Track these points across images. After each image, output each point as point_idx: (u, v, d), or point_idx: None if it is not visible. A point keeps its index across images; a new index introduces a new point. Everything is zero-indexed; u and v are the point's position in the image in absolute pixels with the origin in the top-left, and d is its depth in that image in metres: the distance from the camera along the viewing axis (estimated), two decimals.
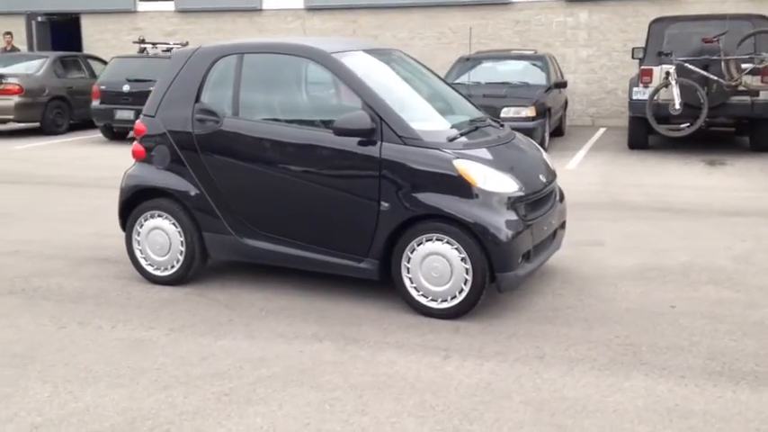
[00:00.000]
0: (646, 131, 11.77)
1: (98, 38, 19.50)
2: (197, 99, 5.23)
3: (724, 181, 9.35)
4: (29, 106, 14.36)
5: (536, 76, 12.67)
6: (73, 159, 11.79)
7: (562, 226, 5.56)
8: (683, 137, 11.55)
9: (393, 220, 4.69)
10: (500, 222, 4.56)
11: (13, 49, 16.78)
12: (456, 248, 4.57)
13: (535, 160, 5.25)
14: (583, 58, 16.46)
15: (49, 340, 4.38)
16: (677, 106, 10.85)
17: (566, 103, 14.47)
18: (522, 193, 4.74)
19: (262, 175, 5.02)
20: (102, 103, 13.53)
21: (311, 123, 5.02)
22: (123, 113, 13.28)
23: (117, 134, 13.93)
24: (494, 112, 11.21)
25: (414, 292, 4.72)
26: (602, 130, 15.06)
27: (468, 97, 5.86)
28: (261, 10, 18.47)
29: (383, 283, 4.85)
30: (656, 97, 11.13)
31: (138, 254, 5.43)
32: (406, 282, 4.73)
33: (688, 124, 11.19)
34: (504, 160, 4.91)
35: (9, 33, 16.93)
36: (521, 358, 4.11)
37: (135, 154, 5.47)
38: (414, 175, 4.65)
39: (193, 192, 5.22)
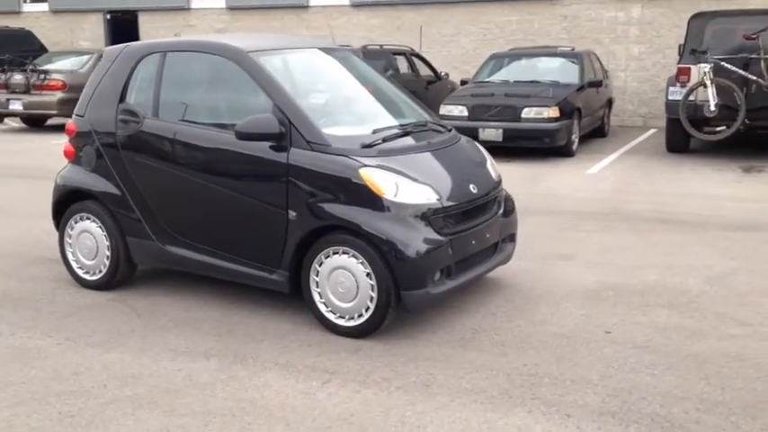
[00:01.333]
0: (683, 134, 11.02)
1: (153, 35, 19.81)
2: (121, 99, 5.08)
3: (751, 190, 8.62)
4: (72, 102, 14.63)
5: (569, 75, 12.08)
6: None
7: (511, 238, 5.17)
8: (725, 140, 10.77)
9: (300, 231, 4.42)
10: (407, 236, 4.22)
11: None
12: (361, 263, 4.26)
13: (470, 169, 4.87)
14: (634, 55, 15.67)
15: None
16: (712, 108, 10.11)
17: (609, 102, 13.76)
18: (440, 205, 4.38)
19: (178, 179, 4.83)
20: None
21: (224, 126, 4.77)
22: None
23: None
24: (514, 113, 10.81)
25: (323, 308, 4.44)
26: (651, 132, 14.28)
27: (416, 100, 5.51)
28: (307, 7, 18.41)
29: (294, 296, 4.58)
30: (691, 98, 10.41)
31: (69, 256, 5.34)
32: (315, 296, 4.45)
33: (724, 127, 10.41)
34: (426, 169, 4.56)
35: None
36: (405, 386, 3.78)
37: (66, 154, 5.38)
38: (319, 183, 4.36)
39: (117, 195, 5.08)
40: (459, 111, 11.23)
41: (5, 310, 4.88)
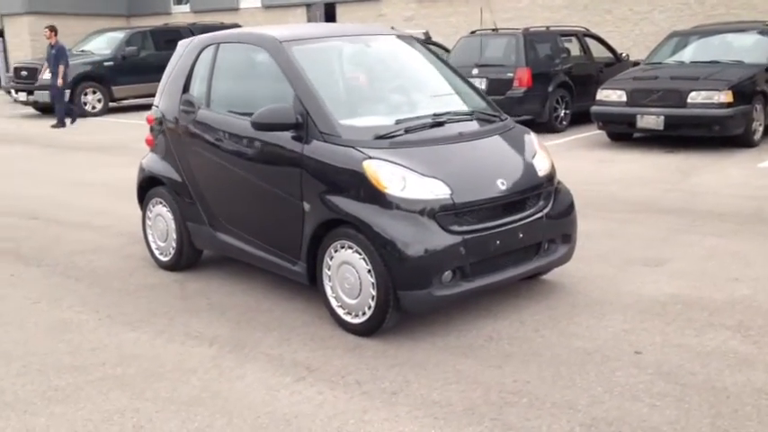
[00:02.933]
0: None
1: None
2: (185, 89, 5.31)
3: None
4: None
5: (757, 54, 10.73)
6: None
7: (565, 239, 4.72)
8: None
9: (313, 223, 4.36)
10: (407, 233, 4.01)
11: (57, 44, 15.32)
12: (363, 259, 4.12)
13: (504, 163, 4.49)
14: None
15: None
16: None
17: None
18: (450, 201, 4.10)
19: (221, 167, 4.98)
20: None
21: None
22: None
23: None
24: (679, 98, 9.86)
25: (333, 303, 4.36)
26: None
27: (473, 87, 5.19)
28: None
29: (313, 288, 4.54)
30: None
31: (149, 238, 5.72)
32: (327, 290, 4.38)
33: None
34: (444, 162, 4.28)
35: (50, 28, 15.50)
36: (372, 392, 3.60)
37: (147, 142, 5.74)
38: (328, 175, 4.27)
39: (179, 182, 5.34)
40: (618, 96, 10.42)
41: (83, 285, 5.32)
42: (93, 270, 5.67)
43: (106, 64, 17.30)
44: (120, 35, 18.22)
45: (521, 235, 4.38)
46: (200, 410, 3.48)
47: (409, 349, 4.06)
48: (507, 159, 4.55)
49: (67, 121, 15.09)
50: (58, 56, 15.07)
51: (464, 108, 4.87)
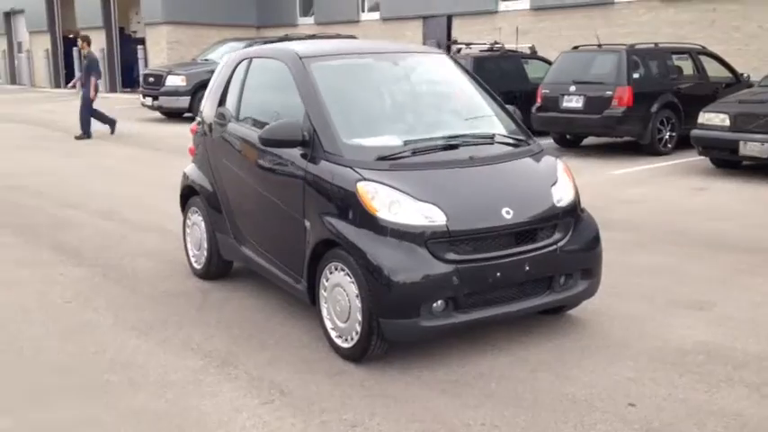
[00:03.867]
0: None
1: (464, 37, 20.37)
2: (221, 102, 5.39)
3: None
4: None
5: None
6: None
7: (586, 274, 4.41)
8: None
9: (312, 242, 4.30)
10: (394, 259, 3.87)
11: (89, 54, 14.89)
12: (352, 282, 4.01)
13: (515, 190, 4.24)
14: None
15: (25, 308, 5.03)
16: None
17: None
18: (445, 228, 3.92)
19: (242, 180, 5.02)
20: None
21: None
22: None
23: None
24: None
25: (328, 324, 4.27)
26: None
27: (502, 108, 4.95)
28: (612, 3, 17.34)
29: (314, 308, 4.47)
30: None
31: (187, 245, 5.85)
32: (323, 311, 4.30)
33: None
34: (445, 187, 4.09)
35: (83, 38, 15.23)
36: (329, 422, 3.49)
37: (190, 151, 5.87)
38: (326, 194, 4.20)
39: (211, 193, 5.42)
40: (720, 120, 9.71)
41: (118, 288, 5.50)
42: (135, 273, 5.85)
43: None
44: (239, 45, 18.91)
45: (527, 267, 4.12)
46: (159, 426, 3.48)
47: (391, 380, 3.90)
48: (519, 187, 4.30)
49: (102, 128, 14.63)
50: (90, 66, 14.50)
51: (486, 131, 4.65)
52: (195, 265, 5.73)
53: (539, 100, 12.28)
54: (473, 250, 4.00)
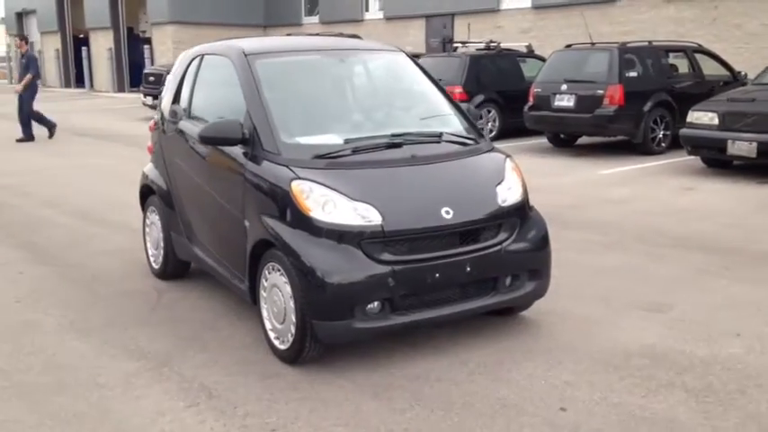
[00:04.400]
0: None
1: (462, 37, 20.28)
2: (174, 99, 5.34)
3: None
4: None
5: None
6: None
7: (533, 275, 4.31)
8: None
9: (251, 242, 4.23)
10: (327, 261, 3.79)
11: (27, 53, 14.63)
12: (287, 283, 3.93)
13: (456, 190, 4.14)
14: None
15: None
16: None
17: None
18: (379, 229, 3.84)
19: (190, 179, 4.97)
20: None
21: None
22: None
23: None
24: None
25: (267, 325, 4.20)
26: None
27: (458, 108, 4.84)
28: (614, 1, 17.17)
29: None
30: None
31: (147, 245, 5.80)
32: (264, 312, 4.23)
33: None
34: (382, 186, 4.01)
35: (21, 37, 15.03)
36: (251, 426, 3.41)
37: (148, 149, 5.83)
38: (263, 193, 4.13)
39: (165, 191, 5.37)
40: (709, 118, 9.55)
41: (73, 287, 5.46)
42: (95, 273, 5.81)
43: None
44: None
45: (468, 268, 4.03)
46: (75, 428, 3.42)
47: (324, 383, 3.82)
48: (461, 186, 4.20)
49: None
50: (28, 65, 14.16)
51: (434, 130, 4.56)
52: (154, 264, 5.68)
53: (531, 99, 12.16)
54: (410, 251, 3.91)
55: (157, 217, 5.52)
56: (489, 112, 13.54)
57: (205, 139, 4.30)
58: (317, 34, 19.01)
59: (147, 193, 5.73)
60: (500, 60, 14.16)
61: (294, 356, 3.98)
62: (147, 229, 5.76)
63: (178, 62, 5.51)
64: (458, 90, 13.18)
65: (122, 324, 4.71)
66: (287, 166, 4.02)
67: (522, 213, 4.33)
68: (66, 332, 4.60)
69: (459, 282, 4.05)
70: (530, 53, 14.78)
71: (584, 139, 12.80)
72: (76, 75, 33.45)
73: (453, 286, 4.06)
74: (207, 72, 5.07)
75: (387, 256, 3.85)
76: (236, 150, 4.35)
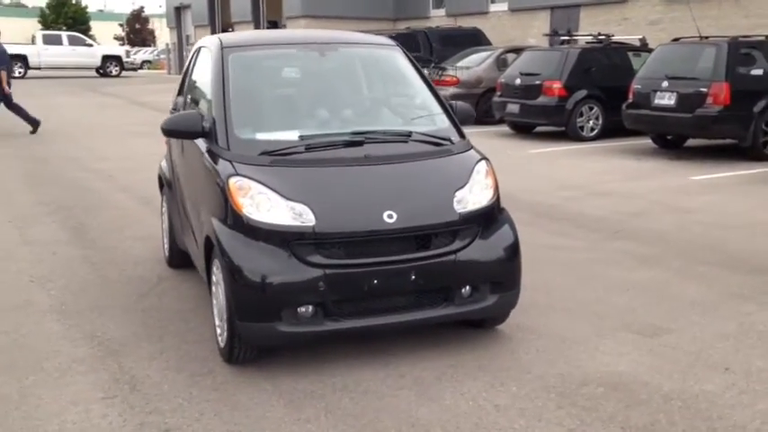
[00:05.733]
0: None
1: (590, 28, 19.39)
2: (179, 92, 5.41)
3: None
4: (460, 96, 15.36)
5: None
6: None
7: (496, 287, 4.01)
8: None
9: (201, 238, 4.20)
10: (253, 261, 3.69)
11: None
12: (223, 281, 3.86)
13: (406, 193, 3.89)
14: None
15: None
16: None
17: None
18: (311, 230, 3.68)
19: (180, 170, 5.01)
20: (500, 96, 13.71)
21: None
22: (512, 107, 13.27)
23: (520, 127, 13.90)
24: None
25: (216, 321, 4.14)
26: None
27: (443, 105, 4.56)
28: None
29: None
30: None
31: (162, 233, 5.93)
32: (214, 309, 4.18)
33: None
34: (324, 186, 3.84)
35: None
36: (148, 424, 3.37)
37: (166, 143, 5.94)
38: (211, 188, 4.08)
39: (170, 180, 5.46)
40: None
41: (89, 270, 5.66)
42: (116, 258, 6.01)
43: None
44: None
45: (413, 276, 3.79)
46: None
47: (249, 385, 3.72)
48: (412, 189, 3.94)
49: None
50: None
51: (403, 129, 4.32)
52: (166, 252, 5.80)
53: (630, 96, 11.41)
54: (345, 255, 3.73)
55: (165, 207, 5.63)
56: (591, 109, 12.84)
57: (166, 132, 4.29)
58: (430, 27, 18.81)
59: (161, 183, 5.85)
60: (608, 54, 13.39)
61: (228, 356, 3.91)
62: (163, 218, 5.89)
63: (188, 57, 5.58)
64: (556, 85, 12.63)
65: (104, 309, 4.82)
66: (230, 162, 3.95)
67: (485, 221, 4.02)
68: (50, 314, 4.76)
69: (403, 290, 3.82)
70: (643, 47, 13.87)
71: (694, 141, 11.87)
72: None
73: (395, 294, 3.83)
74: (200, 64, 5.08)
75: (318, 259, 3.69)
76: (203, 145, 4.33)
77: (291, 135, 4.14)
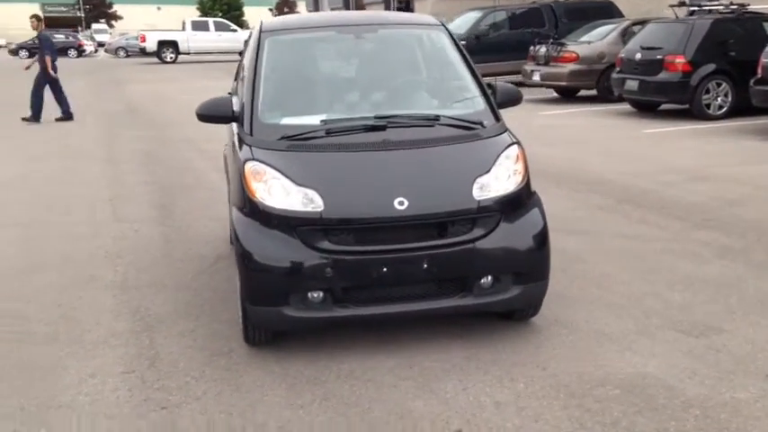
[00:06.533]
0: None
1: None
2: (235, 76, 5.51)
3: None
4: (581, 74, 14.77)
5: None
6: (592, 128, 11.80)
7: (519, 279, 3.83)
8: None
9: (230, 224, 4.27)
10: (261, 245, 3.72)
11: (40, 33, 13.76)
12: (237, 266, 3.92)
13: (421, 180, 3.76)
14: None
15: (70, 257, 5.62)
16: None
17: None
18: (318, 216, 3.65)
19: (227, 156, 5.12)
20: (620, 71, 13.01)
21: None
22: (631, 83, 12.57)
23: (642, 105, 13.15)
24: None
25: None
26: None
27: (482, 88, 4.36)
28: None
29: None
30: None
31: None
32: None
33: None
34: (336, 172, 3.79)
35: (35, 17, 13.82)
36: (149, 401, 3.48)
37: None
38: (234, 174, 4.13)
39: (226, 164, 5.58)
40: None
41: (160, 248, 5.90)
42: (189, 236, 6.25)
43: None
44: (477, 15, 18.71)
45: (426, 265, 3.68)
46: (16, 374, 3.75)
47: (259, 368, 3.76)
48: (431, 175, 3.80)
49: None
50: (41, 46, 13.69)
51: (431, 112, 4.18)
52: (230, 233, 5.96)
53: (759, 71, 10.49)
54: (355, 241, 3.67)
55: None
56: (720, 85, 11.93)
57: (199, 116, 4.37)
58: (557, 1, 18.11)
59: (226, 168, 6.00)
60: (741, 25, 12.36)
61: (245, 337, 3.97)
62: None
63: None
64: (679, 60, 11.84)
65: (160, 286, 5.02)
66: (250, 147, 3.98)
67: (509, 208, 3.83)
68: (109, 289, 5.02)
69: (415, 279, 3.72)
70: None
71: None
72: None
73: (408, 283, 3.74)
74: (248, 48, 5.14)
75: (326, 245, 3.65)
76: (235, 129, 4.38)
77: (314, 120, 4.10)
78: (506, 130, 4.18)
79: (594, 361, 3.69)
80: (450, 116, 4.14)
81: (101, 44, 54.04)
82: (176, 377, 3.69)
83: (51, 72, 13.49)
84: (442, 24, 4.82)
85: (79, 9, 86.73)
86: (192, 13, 70.16)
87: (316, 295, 3.69)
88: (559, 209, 6.53)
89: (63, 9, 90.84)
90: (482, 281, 3.79)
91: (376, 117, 4.08)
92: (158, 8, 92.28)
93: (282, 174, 3.77)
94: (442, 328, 4.08)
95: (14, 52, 46.52)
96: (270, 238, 3.71)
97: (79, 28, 76.29)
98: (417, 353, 3.85)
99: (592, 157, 9.03)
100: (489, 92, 4.36)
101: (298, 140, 3.93)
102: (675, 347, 3.81)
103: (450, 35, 4.71)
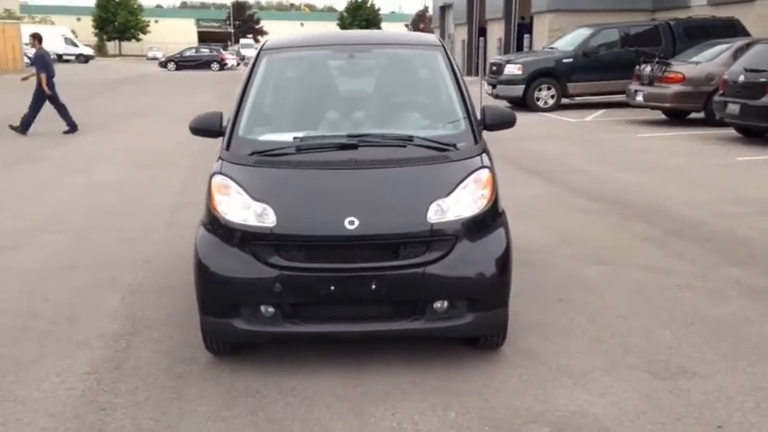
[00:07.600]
0: None
1: None
2: None
3: None
4: (687, 95, 14.05)
5: None
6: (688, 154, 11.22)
7: (474, 306, 3.73)
8: None
9: None
10: (214, 257, 3.81)
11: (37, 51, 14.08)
12: None
13: (376, 199, 3.74)
14: None
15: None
16: None
17: None
18: (269, 231, 3.70)
19: None
20: (722, 94, 12.26)
21: None
22: (732, 107, 11.81)
23: (748, 131, 12.34)
24: None
25: None
26: None
27: (468, 111, 4.26)
28: None
29: None
30: None
31: None
32: None
33: None
34: (292, 189, 3.83)
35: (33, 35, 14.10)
36: (89, 404, 3.65)
37: None
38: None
39: None
40: None
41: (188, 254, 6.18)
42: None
43: (565, 61, 17.58)
44: (587, 32, 18.22)
45: (374, 286, 3.65)
46: None
47: (210, 378, 3.85)
48: (387, 196, 3.77)
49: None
50: (36, 63, 14.00)
51: (405, 133, 4.13)
52: None
53: None
54: (305, 258, 3.70)
55: None
56: None
57: (192, 130, 4.52)
58: (676, 19, 17.25)
59: None
60: None
61: (207, 346, 4.06)
62: None
63: None
64: None
65: (170, 292, 5.12)
66: (221, 161, 4.09)
67: (468, 232, 3.73)
68: (120, 292, 5.22)
69: (363, 299, 3.69)
70: None
71: None
72: (476, 65, 35.40)
73: (356, 303, 3.72)
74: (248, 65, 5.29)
75: (276, 260, 3.70)
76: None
77: (289, 137, 4.17)
78: (482, 152, 4.07)
79: (540, 396, 3.52)
80: (423, 137, 4.08)
81: (242, 58, 56.68)
82: (130, 381, 3.83)
83: (46, 89, 13.77)
84: (442, 45, 4.77)
85: (230, 25, 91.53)
86: (333, 28, 72.24)
87: (266, 310, 3.74)
88: (598, 237, 6.29)
89: (215, 24, 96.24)
90: (436, 305, 3.71)
91: (348, 135, 4.10)
92: (301, 24, 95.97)
93: (243, 189, 3.85)
94: (408, 350, 4.01)
95: (163, 65, 49.62)
96: (224, 251, 3.80)
97: (228, 42, 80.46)
98: (369, 374, 3.81)
99: (667, 184, 8.55)
100: (475, 115, 4.27)
101: (267, 156, 4.01)
102: (634, 388, 3.57)
103: (447, 56, 4.65)
